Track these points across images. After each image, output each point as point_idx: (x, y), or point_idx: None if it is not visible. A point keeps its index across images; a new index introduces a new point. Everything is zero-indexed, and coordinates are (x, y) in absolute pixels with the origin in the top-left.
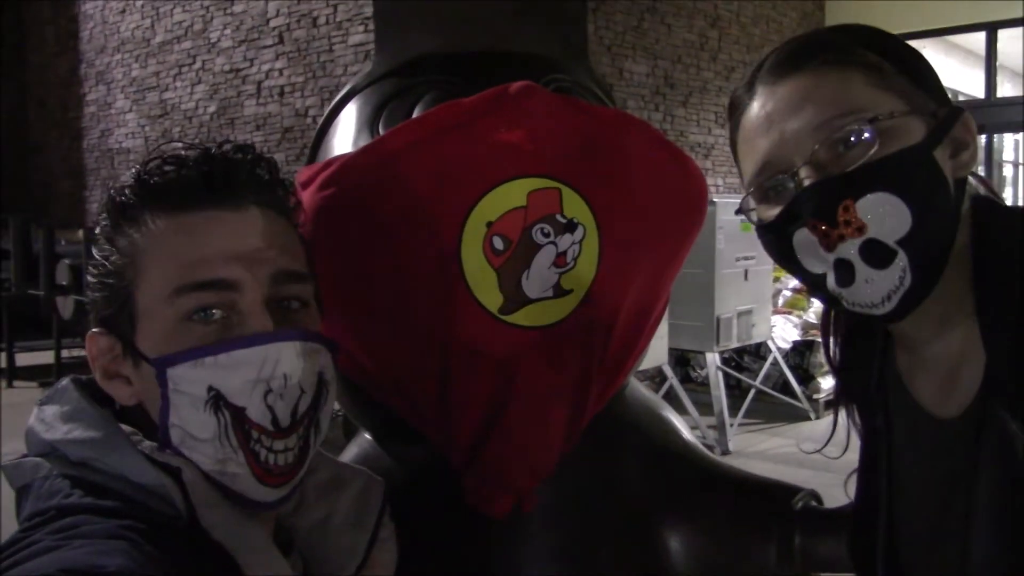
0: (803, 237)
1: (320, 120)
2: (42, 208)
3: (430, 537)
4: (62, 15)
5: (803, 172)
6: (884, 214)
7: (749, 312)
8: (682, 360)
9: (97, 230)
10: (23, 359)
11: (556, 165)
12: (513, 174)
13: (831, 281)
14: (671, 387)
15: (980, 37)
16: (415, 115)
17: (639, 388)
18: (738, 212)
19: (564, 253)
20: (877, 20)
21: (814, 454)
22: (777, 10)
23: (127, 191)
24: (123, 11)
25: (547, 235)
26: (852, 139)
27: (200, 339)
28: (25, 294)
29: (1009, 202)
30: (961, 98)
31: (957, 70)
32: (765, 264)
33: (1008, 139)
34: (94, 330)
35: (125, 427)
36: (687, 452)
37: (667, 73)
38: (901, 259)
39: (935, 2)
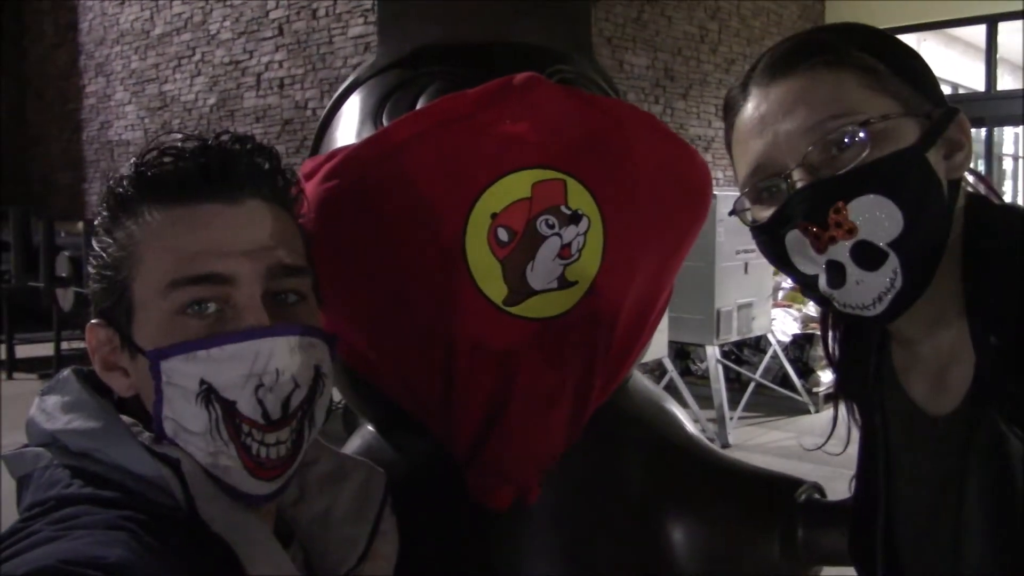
0: (795, 239)
1: (320, 112)
2: (42, 200)
3: (432, 530)
4: (61, 6)
5: (796, 174)
6: (876, 216)
7: (749, 305)
8: (682, 353)
9: (96, 222)
10: (23, 351)
11: (560, 156)
12: (517, 165)
13: (822, 282)
14: (671, 380)
15: (980, 30)
16: (419, 106)
17: (642, 381)
18: (732, 213)
19: (569, 245)
20: (877, 12)
21: (814, 449)
22: (777, 2)
23: (125, 183)
24: (122, 2)
25: (552, 227)
26: (845, 141)
27: (194, 333)
28: (25, 286)
29: (1009, 196)
30: (961, 91)
31: (957, 63)
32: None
33: (1008, 132)
34: (93, 321)
35: (125, 418)
36: (691, 445)
37: (667, 65)
38: (892, 261)
39: None
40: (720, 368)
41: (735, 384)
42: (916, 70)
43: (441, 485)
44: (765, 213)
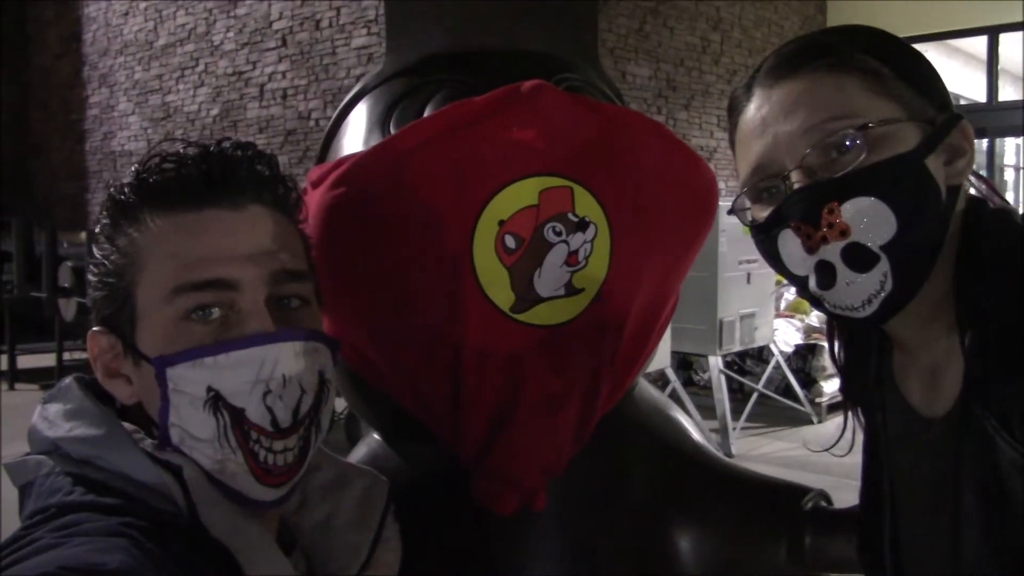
0: (787, 239)
1: (324, 123)
2: (44, 210)
3: (437, 537)
4: (65, 17)
5: (794, 175)
6: (869, 219)
7: (752, 315)
8: (684, 363)
9: (98, 229)
10: (25, 361)
11: (568, 164)
12: (525, 172)
13: (812, 283)
14: (673, 390)
15: (982, 41)
16: (426, 114)
17: (648, 388)
18: (731, 212)
19: (576, 252)
20: (878, 24)
21: (818, 456)
22: (779, 13)
23: (127, 190)
24: (126, 14)
25: (559, 234)
26: (845, 144)
27: (199, 339)
28: (27, 296)
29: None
30: (963, 102)
31: (959, 74)
32: (767, 267)
33: (1010, 143)
34: (95, 329)
35: (127, 425)
36: (696, 453)
37: (669, 76)
38: (883, 264)
39: (937, 6)
40: (723, 378)
41: (738, 394)
42: (921, 74)
43: (446, 492)
44: (764, 213)
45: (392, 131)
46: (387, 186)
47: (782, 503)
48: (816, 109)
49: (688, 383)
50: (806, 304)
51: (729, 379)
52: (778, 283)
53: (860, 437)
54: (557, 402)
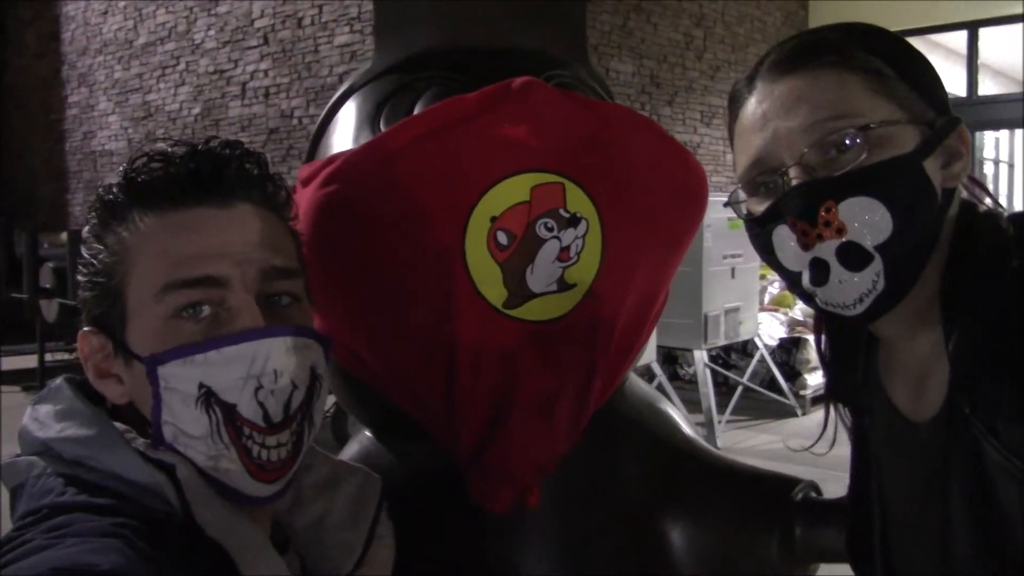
0: (782, 234)
1: (306, 121)
2: (25, 211)
3: (430, 534)
4: (43, 17)
5: (792, 171)
6: (865, 218)
7: (736, 309)
8: (670, 358)
9: (86, 229)
10: (7, 363)
11: (559, 160)
12: (517, 169)
13: (805, 279)
14: (659, 385)
15: (962, 36)
16: (416, 111)
17: (638, 383)
18: (727, 204)
19: (568, 248)
20: (860, 19)
21: (801, 450)
22: (761, 9)
23: (115, 189)
24: (105, 12)
25: (551, 230)
26: (845, 143)
27: (189, 336)
28: (8, 298)
29: (989, 199)
30: None
31: (939, 68)
32: (752, 262)
33: (989, 137)
34: (85, 329)
35: (119, 425)
36: (687, 446)
37: (653, 72)
38: (877, 264)
39: (918, 2)
40: (708, 372)
41: (723, 388)
42: (923, 76)
43: (439, 489)
44: (759, 207)
45: (382, 128)
46: (378, 183)
47: (773, 494)
48: (818, 107)
49: (673, 377)
50: (790, 298)
51: (714, 373)
52: (762, 277)
53: (843, 432)
54: (551, 398)
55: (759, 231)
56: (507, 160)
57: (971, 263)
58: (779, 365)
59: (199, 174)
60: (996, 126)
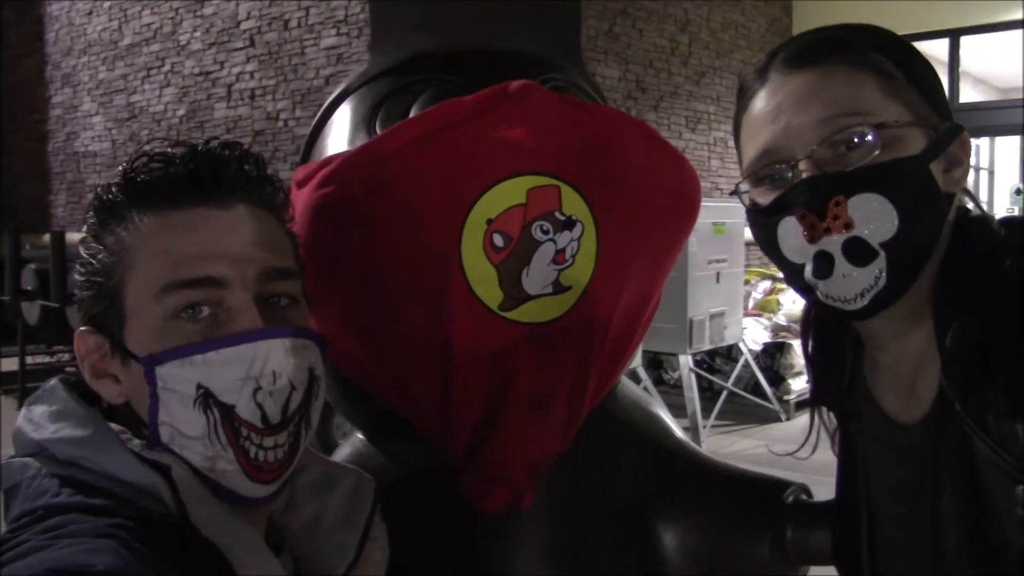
0: (789, 225)
1: (292, 123)
2: (7, 212)
3: (424, 535)
4: (27, 16)
5: (802, 165)
6: (873, 215)
7: (721, 314)
8: (655, 362)
9: (85, 228)
10: None
11: (555, 163)
12: (513, 171)
13: (808, 272)
14: (644, 389)
15: (943, 44)
16: (412, 113)
17: (630, 385)
18: (732, 193)
19: (563, 250)
20: None
21: (785, 455)
22: (746, 15)
23: (114, 189)
24: (90, 13)
25: (546, 232)
26: (855, 140)
27: (188, 337)
28: None
29: (972, 205)
30: None
31: None
32: (736, 267)
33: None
34: (82, 328)
35: (114, 425)
36: (679, 448)
37: (639, 77)
38: (881, 261)
39: (900, 10)
40: (693, 377)
41: (707, 393)
42: (929, 81)
43: (433, 490)
44: (763, 198)
45: (378, 131)
46: (375, 185)
47: (765, 496)
48: (831, 103)
49: (659, 382)
50: (774, 303)
51: (699, 377)
52: (747, 282)
53: (825, 437)
54: (546, 400)
55: (764, 221)
56: (504, 163)
57: (966, 263)
58: (763, 370)
59: (199, 175)
60: (977, 134)
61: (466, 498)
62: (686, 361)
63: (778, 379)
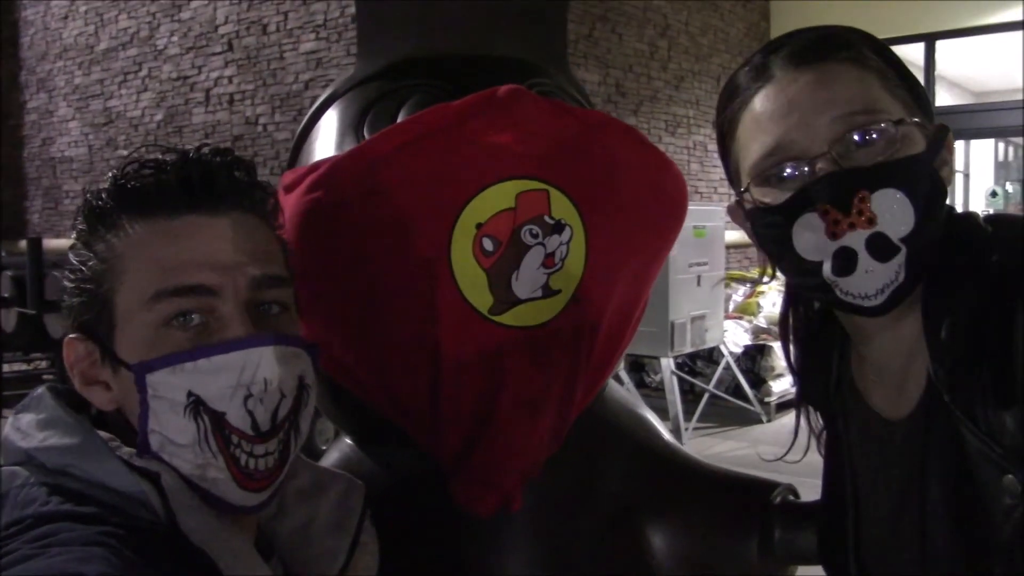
0: (809, 222)
1: (271, 128)
2: None
3: (413, 540)
4: (2, 21)
5: (820, 161)
6: (894, 210)
7: (702, 317)
8: (636, 366)
9: (75, 234)
10: None
11: (544, 167)
12: (502, 176)
13: (827, 269)
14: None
15: (919, 48)
16: (400, 118)
17: (617, 388)
18: (738, 192)
19: (552, 254)
20: None
21: (775, 460)
22: (725, 20)
23: (104, 195)
24: (66, 17)
25: (536, 236)
26: (874, 137)
27: (179, 344)
28: None
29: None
30: None
31: None
32: (717, 270)
33: None
34: (72, 336)
35: (103, 433)
36: (667, 450)
37: (619, 82)
38: (901, 256)
39: (875, 15)
40: (674, 379)
41: (689, 395)
42: (916, 84)
43: (422, 494)
44: (770, 197)
45: (366, 135)
46: (364, 190)
47: (752, 498)
48: (846, 100)
49: (640, 385)
50: (754, 305)
51: (681, 380)
52: (727, 285)
53: (815, 441)
54: (536, 403)
55: (777, 219)
56: (493, 167)
57: (955, 257)
58: (744, 372)
59: (190, 182)
60: (953, 136)
61: (456, 502)
62: (668, 364)
63: (759, 381)
